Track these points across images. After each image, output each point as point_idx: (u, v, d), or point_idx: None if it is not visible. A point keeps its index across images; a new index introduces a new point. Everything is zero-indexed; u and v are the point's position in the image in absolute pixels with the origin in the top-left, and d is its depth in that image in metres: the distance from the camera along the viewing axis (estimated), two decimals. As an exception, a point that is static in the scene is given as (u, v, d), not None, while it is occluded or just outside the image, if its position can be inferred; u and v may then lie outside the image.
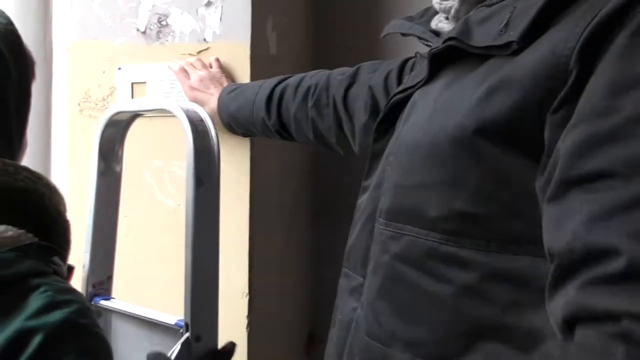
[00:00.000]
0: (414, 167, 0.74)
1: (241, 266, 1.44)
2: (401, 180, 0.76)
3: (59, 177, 1.58)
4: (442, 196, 0.70)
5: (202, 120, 0.97)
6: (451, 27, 0.82)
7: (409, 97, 0.82)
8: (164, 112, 0.98)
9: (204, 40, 1.45)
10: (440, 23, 0.87)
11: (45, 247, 0.65)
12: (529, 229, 0.64)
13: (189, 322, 0.91)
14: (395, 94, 0.85)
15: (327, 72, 1.23)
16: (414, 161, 0.74)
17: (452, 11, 0.83)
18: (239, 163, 1.44)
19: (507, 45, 0.67)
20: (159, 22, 1.48)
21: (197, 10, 1.46)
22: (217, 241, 0.92)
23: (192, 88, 1.41)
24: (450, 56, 0.75)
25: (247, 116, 1.31)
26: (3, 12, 0.75)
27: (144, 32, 1.48)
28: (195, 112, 0.97)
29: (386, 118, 0.85)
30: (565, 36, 0.62)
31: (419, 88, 0.80)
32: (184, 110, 0.95)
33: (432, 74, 0.78)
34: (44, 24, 1.60)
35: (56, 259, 0.66)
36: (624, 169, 0.52)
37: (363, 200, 0.86)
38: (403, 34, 0.92)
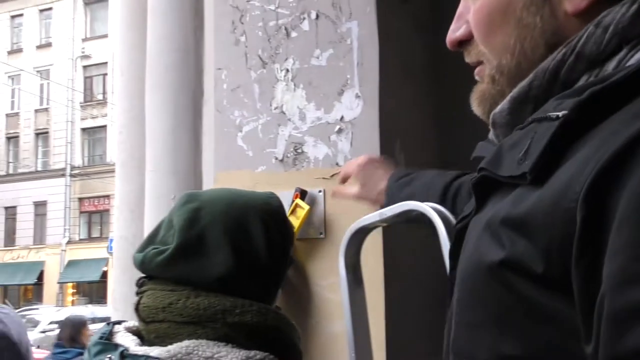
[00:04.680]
0: (463, 304, 0.71)
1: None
2: (458, 317, 0.72)
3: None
4: (488, 338, 0.66)
5: (450, 220, 1.06)
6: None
7: (467, 226, 0.77)
8: (405, 215, 1.07)
9: (336, 164, 1.56)
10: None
11: None
12: None
13: None
14: (457, 223, 0.82)
15: None
16: (463, 297, 0.71)
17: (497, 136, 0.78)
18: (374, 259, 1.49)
19: (523, 176, 0.63)
20: (295, 150, 1.61)
21: (329, 137, 1.58)
22: None
23: (362, 166, 1.41)
24: (490, 183, 0.71)
25: None
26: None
27: (281, 160, 1.62)
28: (444, 213, 1.06)
29: (455, 247, 0.81)
30: (575, 177, 0.57)
31: (472, 217, 0.76)
32: (436, 211, 1.04)
33: (479, 203, 0.74)
34: (194, 159, 1.79)
35: None
36: None
37: (446, 330, 0.83)
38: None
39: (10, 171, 33.30)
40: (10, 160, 33.60)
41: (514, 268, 0.61)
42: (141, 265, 1.01)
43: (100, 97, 32.22)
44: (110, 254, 28.34)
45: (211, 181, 1.71)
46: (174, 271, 0.97)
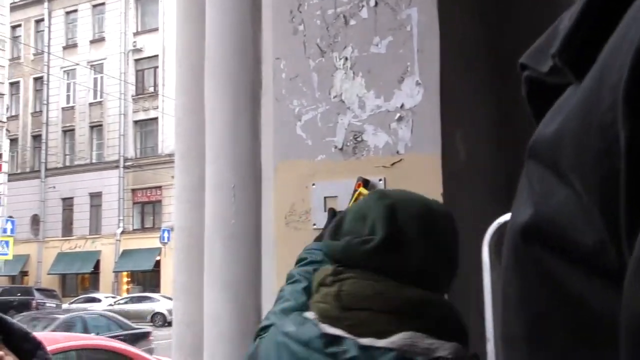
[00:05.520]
0: (502, 304, 0.44)
1: None
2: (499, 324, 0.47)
3: (267, 284, 1.71)
4: (523, 357, 0.40)
5: None
6: None
7: None
8: None
9: (397, 152, 1.55)
10: None
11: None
12: None
13: None
14: None
15: None
16: (502, 291, 0.44)
17: None
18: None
19: (555, 66, 0.39)
20: (355, 138, 1.60)
21: (389, 125, 1.56)
22: None
23: None
24: (542, 88, 0.44)
25: None
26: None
27: (341, 149, 1.61)
28: None
29: None
30: (615, 54, 0.32)
31: None
32: None
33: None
34: (253, 149, 1.80)
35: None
36: None
37: None
38: None
39: (67, 163, 34.29)
40: (67, 152, 34.60)
41: (545, 237, 0.36)
42: (343, 253, 1.04)
43: (151, 89, 32.79)
44: (163, 243, 28.99)
45: (270, 171, 1.72)
46: (377, 261, 1.01)
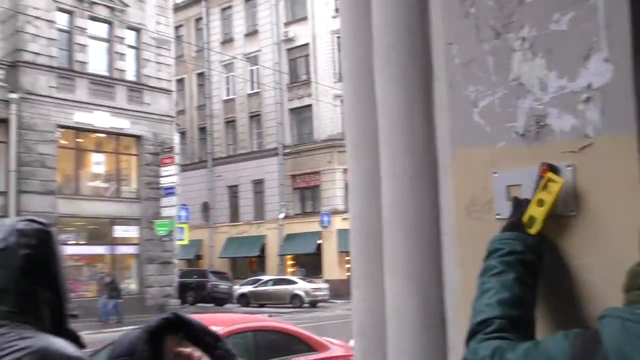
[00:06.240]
0: None
1: None
2: None
3: (448, 276, 1.69)
4: None
5: None
6: None
7: None
8: None
9: (586, 136, 1.45)
10: None
11: None
12: None
13: None
14: None
15: None
16: None
17: None
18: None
19: None
20: (537, 123, 1.53)
21: (575, 107, 1.47)
22: None
23: None
24: None
25: None
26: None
27: (523, 135, 1.54)
28: None
29: None
30: None
31: None
32: None
33: None
34: (428, 136, 1.78)
35: None
36: None
37: None
38: None
39: (231, 153, 36.26)
40: (230, 142, 36.57)
41: None
42: None
43: (304, 77, 33.66)
44: (323, 227, 29.81)
45: (447, 159, 1.69)
46: None
